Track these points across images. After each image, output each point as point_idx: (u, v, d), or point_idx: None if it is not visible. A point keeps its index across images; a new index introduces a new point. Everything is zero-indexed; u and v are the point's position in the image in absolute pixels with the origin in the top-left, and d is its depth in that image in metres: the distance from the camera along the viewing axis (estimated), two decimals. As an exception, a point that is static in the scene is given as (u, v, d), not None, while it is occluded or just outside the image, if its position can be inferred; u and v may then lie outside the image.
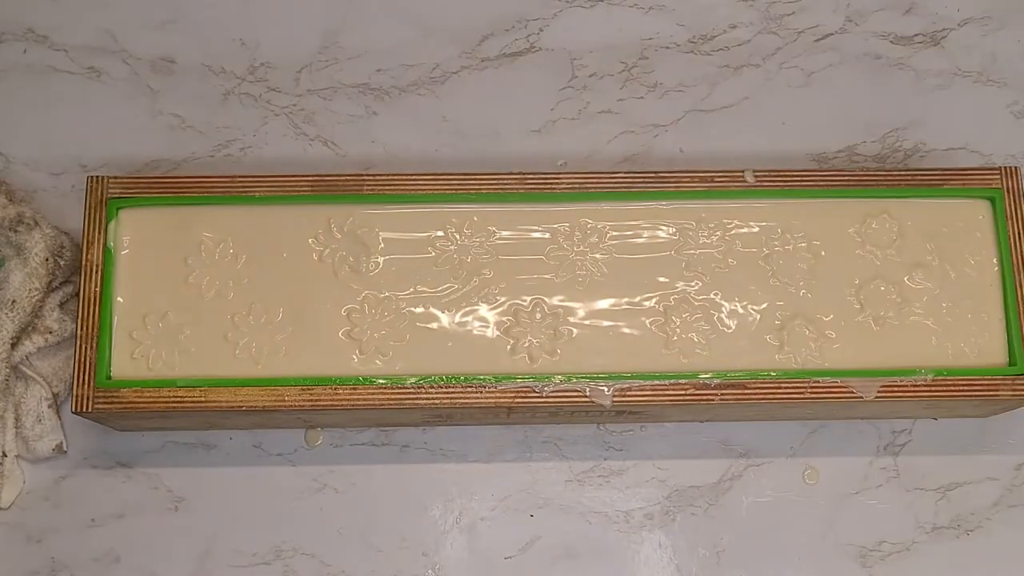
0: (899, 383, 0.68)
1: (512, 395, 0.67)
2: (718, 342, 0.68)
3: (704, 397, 0.67)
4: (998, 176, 0.71)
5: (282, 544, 0.72)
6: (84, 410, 0.66)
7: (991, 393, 0.68)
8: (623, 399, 0.67)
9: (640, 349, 0.68)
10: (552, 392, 0.67)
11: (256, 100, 0.80)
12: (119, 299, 0.68)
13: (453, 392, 0.66)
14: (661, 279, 0.69)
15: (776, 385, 0.67)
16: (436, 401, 0.67)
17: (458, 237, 0.69)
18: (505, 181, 0.70)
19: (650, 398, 0.67)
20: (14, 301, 0.70)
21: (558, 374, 0.67)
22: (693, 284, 0.69)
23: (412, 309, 0.69)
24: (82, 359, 0.66)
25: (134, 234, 0.69)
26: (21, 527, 0.72)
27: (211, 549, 0.72)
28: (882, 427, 0.75)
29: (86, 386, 0.66)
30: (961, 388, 0.68)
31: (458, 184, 0.70)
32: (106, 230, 0.68)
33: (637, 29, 0.83)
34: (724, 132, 0.81)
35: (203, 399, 0.66)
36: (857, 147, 0.80)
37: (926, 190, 0.71)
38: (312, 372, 0.67)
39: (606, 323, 0.68)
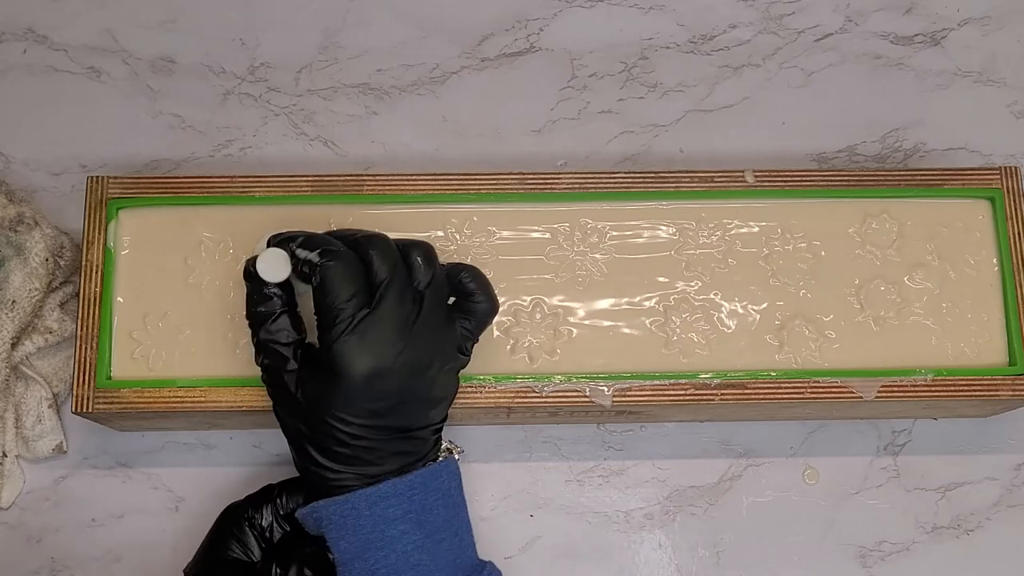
0: (899, 383, 0.68)
1: (512, 395, 0.67)
2: (718, 342, 0.68)
3: (704, 397, 0.67)
4: (998, 176, 0.71)
5: (282, 544, 0.72)
6: (84, 410, 0.66)
7: (991, 393, 0.68)
8: (623, 399, 0.67)
9: (640, 349, 0.68)
10: (552, 392, 0.67)
11: (256, 100, 0.80)
12: (119, 299, 0.68)
13: (453, 392, 0.66)
14: (661, 279, 0.69)
15: (776, 385, 0.67)
16: (436, 401, 0.67)
17: (458, 237, 0.69)
18: (505, 181, 0.70)
19: (650, 398, 0.67)
20: (14, 301, 0.70)
21: (558, 374, 0.67)
22: (693, 284, 0.69)
23: (412, 309, 0.68)
24: (82, 359, 0.66)
25: (134, 234, 0.69)
26: (21, 527, 0.72)
27: (211, 549, 0.72)
28: (882, 427, 0.75)
29: (86, 386, 0.66)
30: (961, 388, 0.68)
31: (458, 184, 0.70)
32: (106, 230, 0.68)
33: (637, 29, 0.83)
34: (724, 132, 0.81)
35: (203, 399, 0.66)
36: (857, 147, 0.80)
37: (926, 190, 0.71)
38: (312, 372, 0.67)
39: (606, 323, 0.68)
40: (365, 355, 0.56)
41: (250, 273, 0.60)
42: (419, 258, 0.59)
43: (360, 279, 0.57)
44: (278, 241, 0.60)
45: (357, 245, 0.59)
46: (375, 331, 0.57)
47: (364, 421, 0.57)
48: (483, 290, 0.61)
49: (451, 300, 0.62)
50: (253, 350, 0.61)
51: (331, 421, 0.57)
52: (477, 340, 0.62)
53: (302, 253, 0.58)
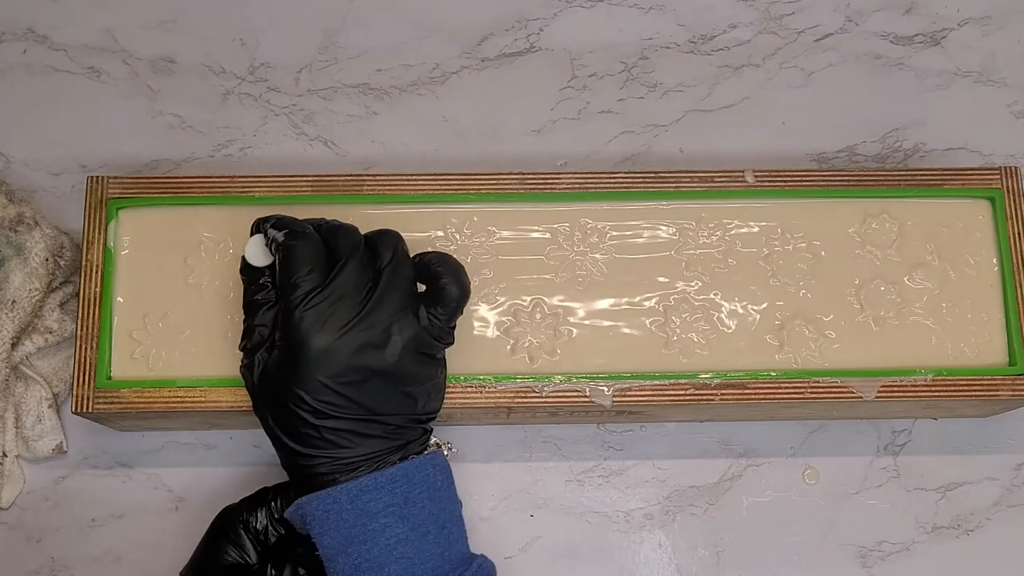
0: (899, 383, 0.68)
1: (512, 395, 0.67)
2: (718, 342, 0.68)
3: (704, 397, 0.67)
4: (998, 176, 0.71)
5: (282, 544, 0.72)
6: (84, 410, 0.66)
7: (991, 393, 0.68)
8: (623, 399, 0.67)
9: (640, 349, 0.68)
10: (552, 392, 0.67)
11: (256, 100, 0.80)
12: (119, 299, 0.68)
13: (453, 392, 0.66)
14: (661, 279, 0.69)
15: (776, 385, 0.67)
16: (436, 401, 0.67)
17: (458, 237, 0.69)
18: (505, 181, 0.70)
19: (650, 398, 0.67)
20: (14, 301, 0.70)
21: (558, 374, 0.67)
22: (693, 284, 0.69)
23: (412, 309, 0.68)
24: (82, 359, 0.66)
25: (134, 234, 0.69)
26: (21, 527, 0.72)
27: (211, 549, 0.72)
28: (882, 427, 0.75)
29: (86, 386, 0.66)
30: (961, 388, 0.68)
31: (458, 184, 0.70)
32: (106, 230, 0.68)
33: (637, 29, 0.83)
34: (724, 132, 0.81)
35: (203, 399, 0.66)
36: (857, 147, 0.80)
37: (926, 190, 0.71)
38: (312, 372, 0.67)
39: (606, 323, 0.68)
40: (315, 326, 0.57)
41: (244, 264, 0.62)
42: (381, 242, 0.61)
43: (321, 259, 0.59)
44: (257, 224, 0.62)
45: (322, 230, 0.61)
46: (327, 304, 0.58)
47: (323, 397, 0.57)
48: (451, 274, 0.62)
49: (423, 288, 0.62)
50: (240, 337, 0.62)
51: (291, 398, 0.58)
52: (452, 326, 0.62)
53: (271, 232, 0.61)
